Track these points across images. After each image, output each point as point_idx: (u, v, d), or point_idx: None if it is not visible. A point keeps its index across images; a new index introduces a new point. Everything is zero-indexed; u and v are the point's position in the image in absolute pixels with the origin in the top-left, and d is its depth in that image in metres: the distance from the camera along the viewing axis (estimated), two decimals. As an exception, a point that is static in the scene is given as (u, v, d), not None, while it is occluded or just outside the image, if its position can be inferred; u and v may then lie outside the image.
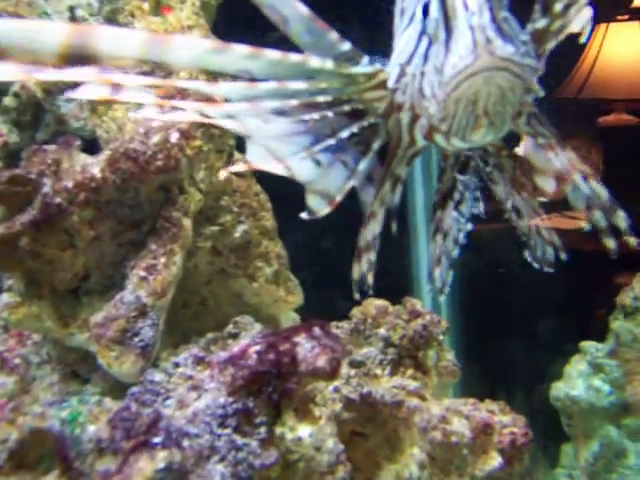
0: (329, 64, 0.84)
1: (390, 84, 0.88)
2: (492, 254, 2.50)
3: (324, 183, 0.94)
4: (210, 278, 1.64)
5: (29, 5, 1.72)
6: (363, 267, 1.02)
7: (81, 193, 1.38)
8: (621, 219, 0.97)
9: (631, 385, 1.70)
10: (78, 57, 0.75)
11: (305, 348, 1.19)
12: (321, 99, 0.87)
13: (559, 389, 1.84)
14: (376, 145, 0.94)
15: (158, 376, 1.29)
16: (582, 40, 0.99)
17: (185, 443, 1.12)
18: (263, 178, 1.75)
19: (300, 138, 0.90)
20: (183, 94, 0.89)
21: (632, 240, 0.97)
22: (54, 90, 1.77)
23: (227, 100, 0.86)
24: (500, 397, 2.03)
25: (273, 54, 0.82)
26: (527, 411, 2.10)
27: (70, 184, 1.38)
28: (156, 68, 0.80)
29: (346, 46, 0.85)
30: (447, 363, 1.56)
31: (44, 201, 1.37)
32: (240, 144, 1.70)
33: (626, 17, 2.50)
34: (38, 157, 1.42)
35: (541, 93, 0.86)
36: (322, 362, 1.19)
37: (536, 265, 1.09)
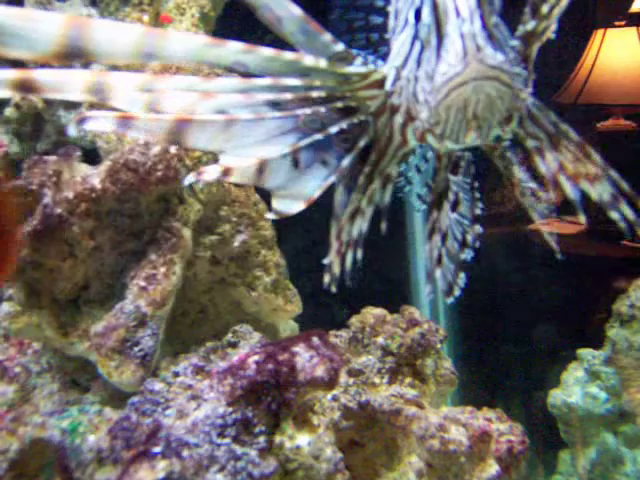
0: (323, 62, 0.86)
1: (387, 87, 0.90)
2: (490, 260, 2.51)
3: (296, 186, 0.95)
4: (209, 287, 1.65)
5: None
6: (347, 263, 1.02)
7: (81, 204, 1.39)
8: (618, 220, 0.96)
9: (627, 392, 1.70)
10: (74, 49, 0.73)
11: (304, 358, 1.20)
12: (315, 94, 0.88)
13: (556, 396, 1.85)
14: (362, 143, 0.95)
15: (158, 385, 1.30)
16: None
17: (185, 453, 1.12)
18: (262, 188, 1.76)
19: (287, 137, 0.91)
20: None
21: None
22: (54, 101, 1.78)
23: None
24: (498, 403, 2.04)
25: (267, 51, 0.83)
26: (525, 418, 2.11)
27: (71, 195, 1.39)
28: (150, 60, 0.79)
29: (339, 47, 0.87)
30: (445, 371, 1.57)
31: (45, 212, 1.38)
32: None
33: (623, 23, 2.52)
34: (39, 168, 1.44)
35: (529, 99, 0.87)
36: (320, 372, 1.20)
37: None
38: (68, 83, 0.78)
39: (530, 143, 0.96)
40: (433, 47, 0.80)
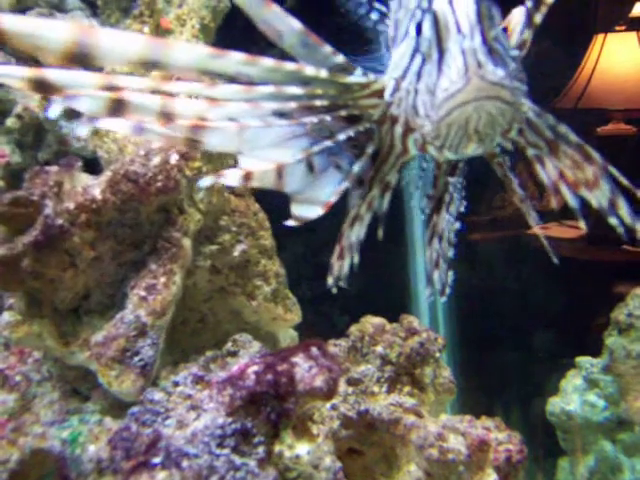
0: (323, 73, 0.87)
1: (386, 97, 0.91)
2: (488, 267, 2.52)
3: (313, 190, 0.97)
4: (209, 296, 1.65)
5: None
6: (345, 267, 1.04)
7: (82, 214, 1.40)
8: (617, 227, 0.98)
9: (625, 400, 1.71)
10: (80, 56, 0.76)
11: (303, 368, 1.21)
12: (318, 103, 0.90)
13: (555, 404, 1.85)
14: (370, 149, 0.97)
15: (158, 395, 1.31)
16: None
17: (184, 463, 1.13)
18: (262, 197, 1.78)
19: (299, 141, 0.93)
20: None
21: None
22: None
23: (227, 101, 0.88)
24: (497, 411, 2.04)
25: (268, 61, 0.84)
26: (524, 425, 2.12)
27: (71, 205, 1.40)
28: (155, 68, 0.81)
29: (340, 58, 0.88)
30: (444, 380, 1.57)
31: (46, 222, 1.39)
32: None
33: (624, 28, 2.53)
34: (40, 179, 1.45)
35: (530, 113, 0.88)
36: (319, 382, 1.21)
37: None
38: (81, 83, 0.81)
39: (530, 151, 0.97)
40: (434, 61, 0.81)
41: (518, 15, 1.03)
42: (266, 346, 1.51)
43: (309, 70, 0.86)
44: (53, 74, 0.79)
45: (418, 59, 0.85)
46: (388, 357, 1.52)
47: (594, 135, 2.61)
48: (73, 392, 1.56)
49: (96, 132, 1.66)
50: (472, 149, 0.84)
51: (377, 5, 1.13)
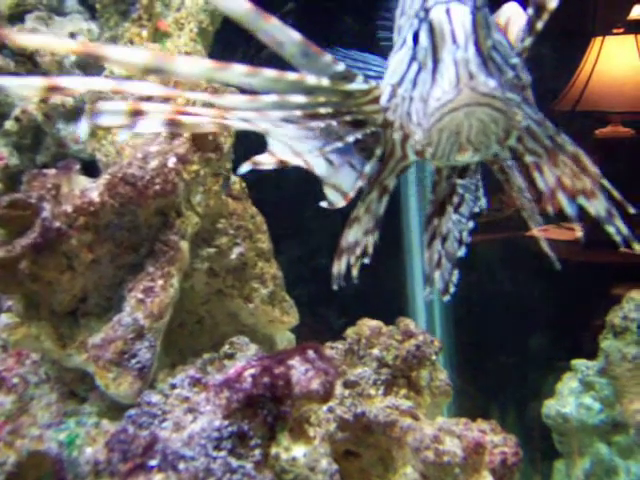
0: (325, 81, 0.89)
1: (382, 102, 0.92)
2: (485, 269, 2.52)
3: (337, 180, 1.01)
4: (207, 298, 1.66)
5: (31, 33, 1.76)
6: (342, 266, 1.05)
7: (80, 217, 1.41)
8: (614, 235, 0.99)
9: (621, 403, 1.72)
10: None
11: (299, 371, 1.22)
12: (322, 111, 0.92)
13: (550, 407, 1.86)
14: (379, 152, 0.99)
15: (155, 397, 1.31)
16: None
17: (181, 466, 1.14)
18: (259, 200, 1.78)
19: (311, 141, 0.96)
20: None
21: (637, 246, 0.99)
22: (54, 114, 1.80)
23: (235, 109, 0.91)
24: (494, 414, 2.05)
25: (270, 73, 0.86)
26: (520, 427, 2.12)
27: (69, 208, 1.41)
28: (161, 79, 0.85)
29: (340, 67, 0.90)
30: (440, 383, 1.58)
31: (44, 225, 1.39)
32: (236, 168, 1.73)
33: (622, 30, 2.54)
34: (38, 181, 1.45)
35: (524, 123, 0.89)
36: (316, 385, 1.21)
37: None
38: (94, 88, 0.87)
39: (528, 159, 0.98)
40: (429, 70, 0.82)
41: (508, 10, 1.04)
42: (263, 348, 1.52)
43: (310, 79, 0.88)
44: (66, 82, 0.85)
45: (414, 67, 0.86)
46: (384, 360, 1.53)
47: (592, 138, 2.62)
48: (70, 394, 1.56)
49: (94, 135, 1.66)
50: (468, 157, 0.84)
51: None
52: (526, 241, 2.52)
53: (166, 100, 0.94)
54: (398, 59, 0.90)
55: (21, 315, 1.47)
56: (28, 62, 1.80)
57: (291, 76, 0.87)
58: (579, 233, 1.00)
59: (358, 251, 1.03)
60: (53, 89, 0.83)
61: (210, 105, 0.90)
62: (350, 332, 1.57)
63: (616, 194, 0.99)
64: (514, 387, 2.41)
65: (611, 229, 0.99)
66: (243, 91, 0.90)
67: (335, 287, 1.06)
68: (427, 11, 0.82)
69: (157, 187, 1.43)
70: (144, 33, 1.64)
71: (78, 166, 1.52)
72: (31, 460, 1.22)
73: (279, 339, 1.80)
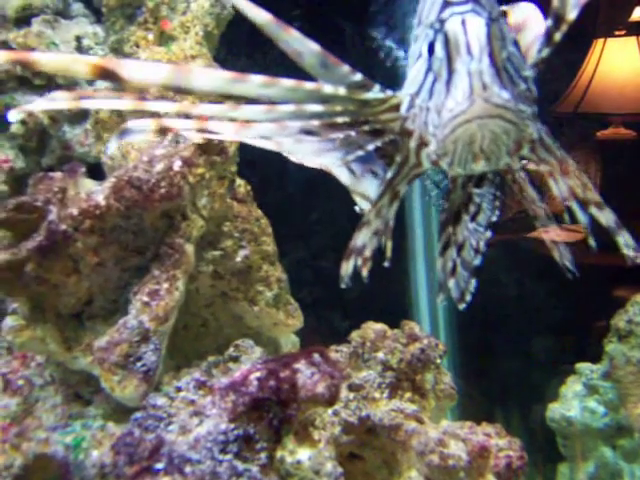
0: (342, 90, 0.90)
1: (402, 112, 0.94)
2: (488, 272, 2.52)
3: (361, 188, 1.05)
4: (212, 301, 1.66)
5: (38, 36, 1.76)
6: (349, 268, 1.06)
7: (86, 220, 1.41)
8: (622, 245, 1.00)
9: (625, 407, 1.71)
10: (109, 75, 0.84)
11: (305, 375, 1.22)
12: (340, 120, 0.93)
13: (555, 410, 1.86)
14: (399, 158, 1.00)
15: (160, 400, 1.32)
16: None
17: (187, 469, 1.14)
18: (264, 202, 1.79)
19: (332, 153, 0.98)
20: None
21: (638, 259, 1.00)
22: (59, 117, 1.81)
23: (254, 122, 0.93)
24: (498, 417, 2.05)
25: (288, 82, 0.87)
26: (524, 431, 2.12)
27: (75, 211, 1.41)
28: (179, 93, 0.86)
29: (358, 77, 0.91)
30: (445, 386, 1.58)
31: (50, 228, 1.40)
32: (240, 171, 1.74)
33: (623, 32, 2.54)
34: (44, 184, 1.45)
35: (535, 135, 0.89)
36: (321, 388, 1.22)
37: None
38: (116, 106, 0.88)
39: (543, 168, 0.99)
40: (443, 81, 0.83)
41: (523, 12, 1.05)
42: (268, 351, 1.52)
43: (328, 88, 0.89)
44: (89, 103, 0.90)
45: (430, 77, 0.87)
46: (389, 363, 1.53)
47: (593, 139, 2.63)
48: (75, 396, 1.57)
49: (99, 138, 1.67)
50: (481, 166, 0.86)
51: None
52: (529, 243, 2.52)
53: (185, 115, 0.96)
54: (416, 69, 0.91)
55: (27, 318, 1.48)
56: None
57: (308, 85, 0.88)
58: (592, 243, 1.01)
59: (367, 253, 1.04)
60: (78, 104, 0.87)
61: (228, 118, 0.91)
62: (355, 335, 1.57)
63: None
64: (518, 390, 2.41)
65: (621, 240, 1.00)
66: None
67: (343, 286, 1.07)
68: (442, 22, 0.83)
69: (163, 190, 1.43)
70: (150, 37, 1.65)
71: (84, 169, 1.53)
72: (37, 463, 1.22)
73: (283, 342, 1.80)
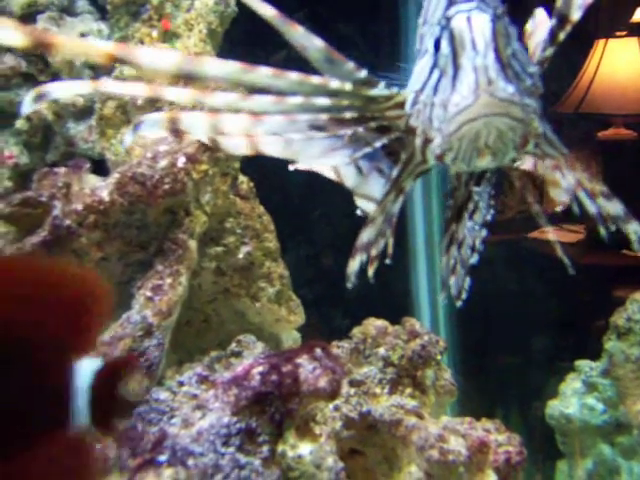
0: (348, 86, 0.92)
1: (406, 109, 0.95)
2: (488, 270, 2.53)
3: (366, 188, 1.06)
4: (214, 297, 1.68)
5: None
6: (356, 266, 1.07)
7: (90, 215, 1.42)
8: (633, 233, 1.01)
9: (624, 404, 1.73)
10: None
11: (307, 369, 1.23)
12: (348, 116, 0.95)
13: (554, 407, 1.87)
14: (404, 155, 1.02)
15: (163, 395, 1.33)
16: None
17: (190, 462, 1.15)
18: (266, 199, 1.80)
19: (341, 151, 0.99)
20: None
21: None
22: (64, 113, 1.82)
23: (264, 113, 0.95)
24: (498, 414, 2.06)
25: (295, 75, 0.89)
26: (524, 428, 2.13)
27: (79, 207, 1.42)
28: (192, 81, 0.88)
29: (362, 73, 0.93)
30: (445, 382, 1.59)
31: (54, 223, 1.41)
32: (243, 167, 1.75)
33: (624, 33, 2.55)
34: (49, 180, 1.47)
35: (540, 130, 0.91)
36: (323, 383, 1.23)
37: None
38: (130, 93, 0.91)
39: (548, 162, 1.00)
40: (449, 77, 0.84)
41: (538, 16, 1.06)
42: (269, 347, 1.53)
43: (334, 83, 0.91)
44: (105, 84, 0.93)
45: (436, 74, 0.88)
46: (390, 359, 1.54)
47: (595, 140, 2.63)
48: (79, 391, 1.58)
49: (103, 134, 1.68)
50: (486, 162, 0.87)
51: None
52: (529, 243, 2.53)
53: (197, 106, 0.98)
54: (421, 66, 0.93)
55: (31, 312, 1.49)
56: (39, 62, 1.82)
57: (315, 79, 0.90)
58: (603, 233, 1.02)
59: (374, 251, 1.05)
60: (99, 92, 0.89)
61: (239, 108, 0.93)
62: (356, 331, 1.59)
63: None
64: (517, 387, 2.42)
65: (630, 229, 1.01)
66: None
67: (349, 286, 1.09)
68: (448, 19, 0.84)
69: (166, 186, 1.45)
70: (154, 34, 1.66)
71: (88, 165, 1.54)
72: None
73: (285, 338, 1.82)
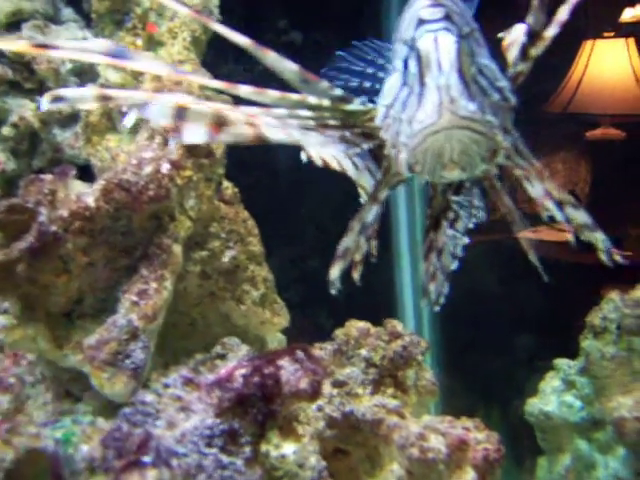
0: (325, 102, 0.97)
1: (377, 122, 0.99)
2: (473, 271, 2.57)
3: (363, 181, 1.13)
4: (199, 300, 1.70)
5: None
6: (337, 272, 1.11)
7: (76, 222, 1.44)
8: (600, 241, 1.05)
9: (600, 401, 1.77)
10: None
11: (288, 371, 1.26)
12: (332, 122, 1.00)
13: (533, 405, 1.91)
14: (385, 163, 1.07)
15: (148, 397, 1.35)
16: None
17: (174, 462, 1.18)
18: (250, 203, 1.83)
19: (336, 146, 1.04)
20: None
21: (617, 256, 1.05)
22: (50, 120, 1.84)
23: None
24: (480, 412, 2.10)
25: (274, 93, 0.95)
26: (506, 425, 2.17)
27: (65, 213, 1.44)
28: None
29: (337, 91, 0.98)
30: (426, 382, 1.63)
31: (40, 229, 1.43)
32: (228, 173, 1.77)
33: (612, 34, 2.59)
34: (35, 186, 1.48)
35: (505, 144, 0.95)
36: (304, 384, 1.26)
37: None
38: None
39: (518, 172, 1.04)
40: (416, 94, 0.89)
41: (517, 32, 1.10)
42: (254, 349, 1.56)
43: (312, 99, 0.96)
44: (111, 91, 0.94)
45: (405, 91, 0.92)
46: (372, 360, 1.57)
47: (583, 140, 2.67)
48: (66, 393, 1.60)
49: (89, 140, 1.70)
50: (457, 174, 0.91)
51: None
52: (514, 243, 2.57)
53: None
54: (392, 82, 0.97)
55: (18, 317, 1.50)
56: (25, 70, 1.83)
57: (294, 97, 0.96)
58: (569, 236, 1.06)
59: (357, 257, 1.10)
60: (105, 99, 0.92)
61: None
62: (339, 333, 1.62)
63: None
64: (500, 386, 2.46)
65: (600, 235, 1.05)
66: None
67: (333, 291, 1.13)
68: (416, 40, 0.89)
69: (151, 193, 1.47)
70: (138, 42, 1.68)
71: (74, 171, 1.56)
72: (28, 457, 1.25)
73: (270, 340, 1.84)
